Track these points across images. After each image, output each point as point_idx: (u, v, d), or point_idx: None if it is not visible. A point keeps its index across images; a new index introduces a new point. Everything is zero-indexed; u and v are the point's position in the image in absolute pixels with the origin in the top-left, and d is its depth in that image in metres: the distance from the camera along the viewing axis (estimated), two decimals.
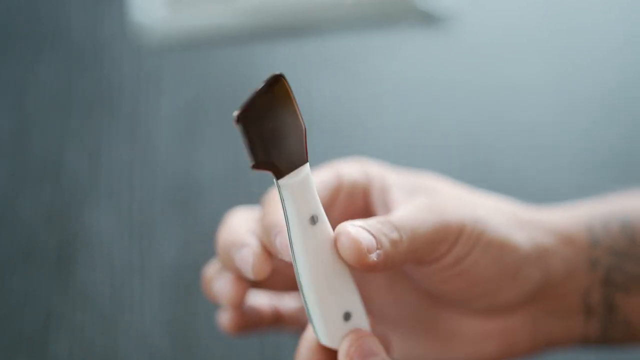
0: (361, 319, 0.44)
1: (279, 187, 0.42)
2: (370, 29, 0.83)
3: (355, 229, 0.44)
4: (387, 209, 0.49)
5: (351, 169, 0.50)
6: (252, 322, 0.52)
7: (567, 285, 0.52)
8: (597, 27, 0.83)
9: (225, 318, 0.51)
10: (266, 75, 0.40)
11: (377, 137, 0.76)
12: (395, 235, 0.45)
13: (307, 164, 0.42)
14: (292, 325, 0.53)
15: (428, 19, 0.83)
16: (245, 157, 0.75)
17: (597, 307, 0.52)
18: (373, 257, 0.44)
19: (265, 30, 0.82)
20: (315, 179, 0.48)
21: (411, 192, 0.49)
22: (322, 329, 0.43)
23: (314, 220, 0.42)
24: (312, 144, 0.76)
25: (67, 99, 0.78)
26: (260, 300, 0.52)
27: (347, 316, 0.44)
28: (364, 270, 0.45)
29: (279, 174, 0.41)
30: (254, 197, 0.72)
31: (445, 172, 0.74)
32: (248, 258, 0.46)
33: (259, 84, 0.40)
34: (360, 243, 0.44)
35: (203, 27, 0.82)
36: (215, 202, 0.72)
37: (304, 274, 0.43)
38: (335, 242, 0.44)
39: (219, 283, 0.49)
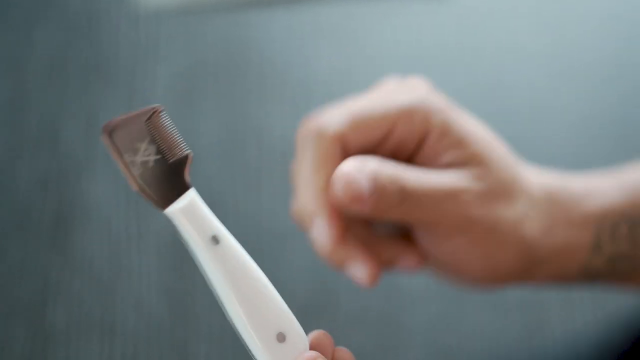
0: (298, 340, 0.43)
1: (168, 217, 0.42)
2: None
3: (355, 168, 0.44)
4: (433, 166, 0.49)
5: (410, 117, 0.48)
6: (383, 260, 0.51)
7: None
8: None
9: (359, 273, 0.49)
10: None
11: None
12: (396, 198, 0.45)
13: (191, 189, 0.42)
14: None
15: None
16: (242, 124, 0.75)
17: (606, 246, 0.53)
18: (357, 205, 0.44)
19: None
20: (365, 110, 0.47)
21: (464, 162, 0.48)
22: (256, 351, 0.42)
23: (215, 240, 0.42)
24: (309, 114, 0.76)
25: (64, 66, 0.78)
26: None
27: (281, 337, 0.42)
28: (349, 204, 0.45)
29: (163, 205, 0.41)
30: (250, 165, 0.73)
31: None
32: (320, 239, 0.45)
33: (132, 112, 0.41)
34: (351, 185, 0.44)
35: None
36: (212, 170, 0.72)
37: (221, 295, 0.42)
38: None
39: (315, 231, 0.47)
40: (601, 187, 0.53)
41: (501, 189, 0.48)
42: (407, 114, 0.48)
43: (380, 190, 0.45)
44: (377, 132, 0.47)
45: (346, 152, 0.47)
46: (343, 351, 0.45)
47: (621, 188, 0.53)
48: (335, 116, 0.47)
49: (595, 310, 0.64)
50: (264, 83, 0.77)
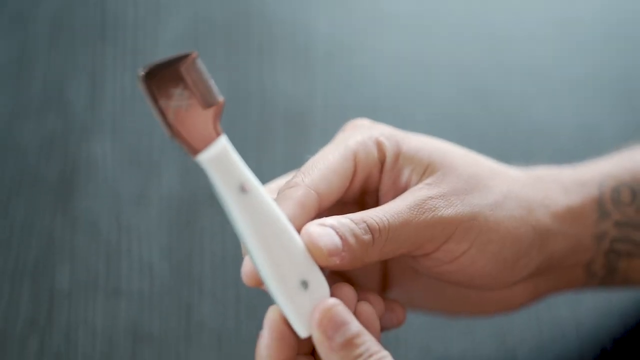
0: (321, 288, 0.44)
1: (199, 163, 0.42)
2: None
3: (320, 230, 0.43)
4: (395, 190, 0.48)
5: (365, 147, 0.48)
6: None
7: (570, 259, 0.51)
8: None
9: None
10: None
11: (375, 72, 0.76)
12: (366, 238, 0.44)
13: (222, 136, 0.42)
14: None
15: None
16: (244, 83, 0.75)
17: (599, 272, 0.52)
18: (335, 260, 0.43)
19: None
20: (326, 161, 0.47)
21: (422, 173, 0.48)
22: (279, 298, 0.43)
23: (243, 189, 0.42)
24: (312, 72, 0.76)
25: (69, 27, 0.78)
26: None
27: (304, 284, 0.43)
28: (329, 269, 0.44)
29: (194, 151, 0.42)
30: (252, 125, 0.73)
31: (443, 113, 0.74)
32: None
33: (167, 57, 0.41)
34: (320, 247, 0.43)
35: None
36: None
37: (248, 243, 0.43)
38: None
39: None
40: (593, 163, 0.53)
41: (466, 185, 0.47)
42: (362, 145, 0.48)
43: (350, 236, 0.44)
44: (343, 171, 0.47)
45: (320, 204, 0.46)
46: (366, 305, 0.45)
47: (615, 163, 0.53)
48: (300, 174, 0.47)
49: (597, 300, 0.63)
50: (267, 42, 0.77)
